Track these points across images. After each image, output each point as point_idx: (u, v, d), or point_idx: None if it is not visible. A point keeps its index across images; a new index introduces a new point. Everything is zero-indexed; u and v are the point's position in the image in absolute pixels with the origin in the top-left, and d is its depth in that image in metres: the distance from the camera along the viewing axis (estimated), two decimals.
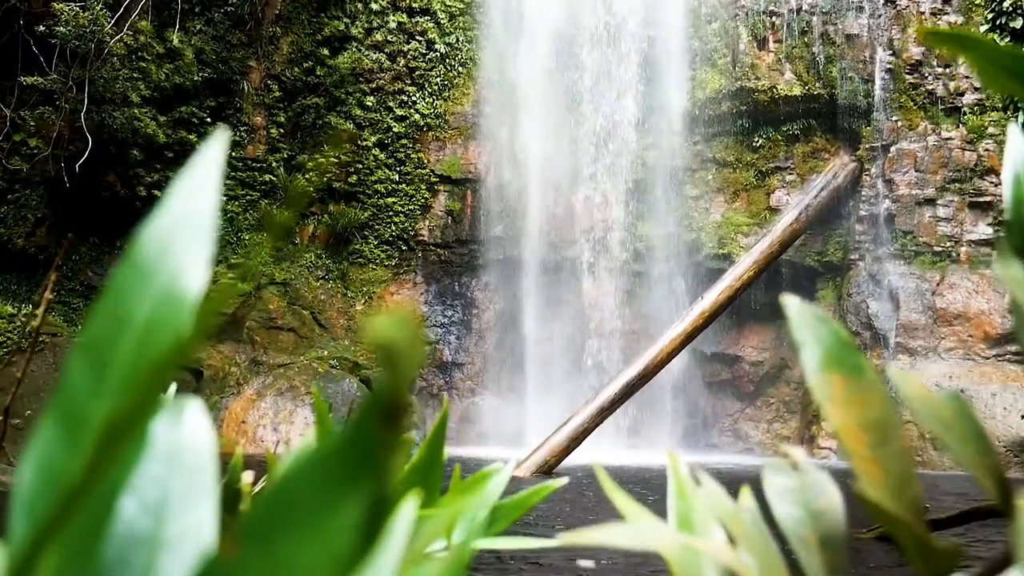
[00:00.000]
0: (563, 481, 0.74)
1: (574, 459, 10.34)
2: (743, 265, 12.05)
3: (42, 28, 11.15)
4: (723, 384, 13.63)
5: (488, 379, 14.09)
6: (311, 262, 14.24)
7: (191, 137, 13.40)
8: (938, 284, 12.17)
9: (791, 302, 0.52)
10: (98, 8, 11.21)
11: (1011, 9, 11.96)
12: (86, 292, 13.06)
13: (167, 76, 12.83)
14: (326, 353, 13.44)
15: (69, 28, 11.06)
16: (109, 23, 11.39)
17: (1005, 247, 0.52)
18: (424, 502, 0.63)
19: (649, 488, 8.65)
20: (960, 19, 12.49)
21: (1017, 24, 11.94)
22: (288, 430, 12.09)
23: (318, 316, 13.98)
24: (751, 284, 12.17)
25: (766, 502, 0.53)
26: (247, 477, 0.76)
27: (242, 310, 13.55)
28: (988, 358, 11.79)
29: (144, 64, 12.49)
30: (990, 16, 12.24)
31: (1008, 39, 12.06)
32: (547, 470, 9.94)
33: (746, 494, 0.59)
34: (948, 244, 12.31)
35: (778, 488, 0.57)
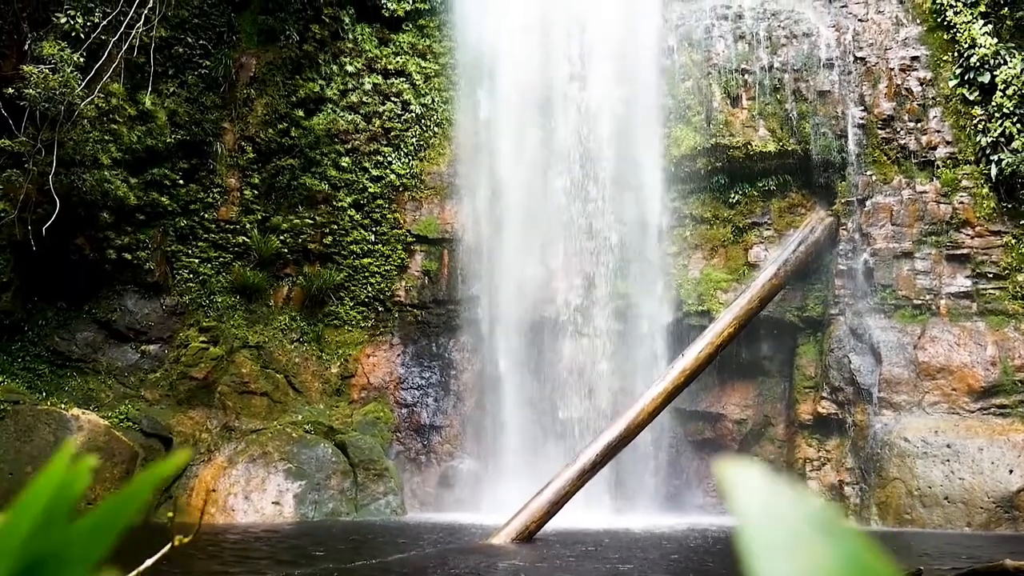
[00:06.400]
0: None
1: (556, 524, 10.02)
2: (723, 321, 11.92)
3: (11, 90, 11.03)
4: (706, 443, 13.39)
5: (467, 442, 13.77)
6: (285, 324, 13.98)
7: (163, 199, 13.23)
8: (919, 337, 12.07)
9: (731, 473, 0.26)
10: (69, 71, 11.11)
11: (978, 65, 12.15)
12: (52, 358, 12.70)
13: (139, 138, 12.70)
14: (300, 418, 13.10)
15: (39, 91, 10.93)
16: (80, 85, 11.29)
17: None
18: None
19: (630, 552, 8.34)
20: (929, 75, 12.65)
21: (984, 79, 12.12)
22: (261, 498, 11.69)
23: (292, 380, 13.67)
24: (732, 340, 12.03)
25: None
26: None
27: (214, 374, 13.22)
28: (973, 411, 11.64)
29: (115, 126, 12.36)
30: (958, 72, 12.43)
31: (976, 93, 12.22)
32: (528, 536, 9.61)
33: None
34: (927, 297, 12.25)
35: None
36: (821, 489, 12.22)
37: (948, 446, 11.14)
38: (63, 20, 11.62)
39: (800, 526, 0.24)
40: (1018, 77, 11.80)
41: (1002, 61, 12.01)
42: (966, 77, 12.29)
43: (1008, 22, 12.22)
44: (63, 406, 11.29)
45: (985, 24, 12.22)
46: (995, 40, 12.08)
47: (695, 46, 13.44)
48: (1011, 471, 10.74)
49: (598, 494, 11.73)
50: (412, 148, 14.32)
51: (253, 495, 11.68)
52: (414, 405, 14.00)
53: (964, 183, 12.30)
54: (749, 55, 13.21)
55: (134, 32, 11.84)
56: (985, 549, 8.35)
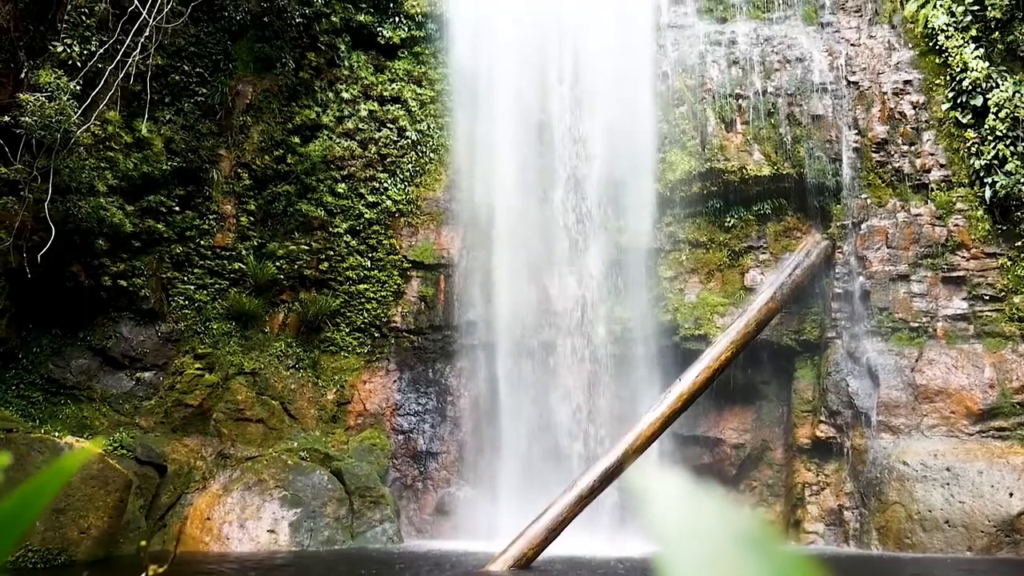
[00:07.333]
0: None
1: (554, 550, 9.93)
2: (720, 345, 11.90)
3: (7, 118, 11.05)
4: (705, 468, 13.30)
5: (464, 468, 13.67)
6: (281, 351, 13.92)
7: (159, 226, 13.22)
8: (917, 360, 12.04)
9: (650, 483, 0.21)
10: (65, 99, 11.14)
11: (971, 88, 12.22)
12: (47, 386, 12.62)
13: (135, 165, 12.72)
14: (296, 444, 13.01)
15: (35, 119, 10.95)
16: (76, 113, 11.31)
17: None
18: None
19: None
20: (922, 98, 12.72)
21: (977, 102, 12.18)
22: (256, 526, 11.58)
23: (288, 406, 13.59)
24: (729, 365, 12.00)
25: None
26: None
27: (209, 401, 13.14)
28: (972, 434, 11.58)
29: (112, 154, 12.38)
30: (951, 95, 12.50)
31: (969, 116, 12.28)
32: (525, 563, 9.52)
33: None
34: (924, 320, 12.23)
35: None
36: (820, 513, 12.13)
37: (947, 469, 11.08)
38: (60, 49, 11.67)
39: (722, 540, 0.22)
40: (1010, 100, 11.87)
41: (994, 84, 12.08)
42: (959, 100, 12.36)
43: (999, 46, 12.31)
44: (57, 434, 11.19)
45: (977, 48, 12.31)
46: (987, 64, 12.16)
47: (689, 71, 13.52)
48: (1011, 494, 10.67)
49: (597, 520, 11.63)
50: (408, 174, 14.34)
51: (248, 523, 11.57)
52: (410, 431, 13.91)
53: (959, 205, 12.33)
54: (743, 80, 13.28)
55: (130, 60, 11.88)
56: (989, 574, 8.28)
